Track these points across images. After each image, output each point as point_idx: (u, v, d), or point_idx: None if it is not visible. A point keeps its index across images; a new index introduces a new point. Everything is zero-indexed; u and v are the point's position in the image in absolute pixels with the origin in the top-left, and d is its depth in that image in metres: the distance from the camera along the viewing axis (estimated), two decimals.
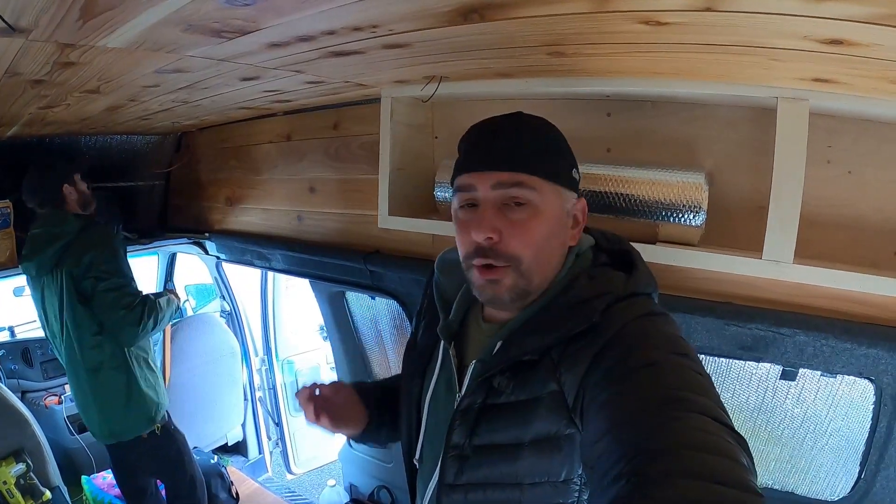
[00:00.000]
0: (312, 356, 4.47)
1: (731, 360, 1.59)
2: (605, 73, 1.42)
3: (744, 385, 1.63)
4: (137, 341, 2.49)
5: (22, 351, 3.47)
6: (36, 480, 2.61)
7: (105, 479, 3.01)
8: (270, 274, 4.05)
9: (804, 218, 1.26)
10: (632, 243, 1.13)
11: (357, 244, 2.23)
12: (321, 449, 4.27)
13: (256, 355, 4.19)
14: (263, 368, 4.19)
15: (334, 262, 2.28)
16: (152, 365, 2.64)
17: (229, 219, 2.89)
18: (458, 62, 1.42)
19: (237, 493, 3.31)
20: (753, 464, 0.69)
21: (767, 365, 1.53)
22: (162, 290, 3.05)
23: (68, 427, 3.28)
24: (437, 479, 1.05)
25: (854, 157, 1.32)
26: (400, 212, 1.89)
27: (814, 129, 1.25)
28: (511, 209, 0.99)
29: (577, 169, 1.06)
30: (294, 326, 4.50)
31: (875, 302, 1.29)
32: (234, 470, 3.62)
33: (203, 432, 3.69)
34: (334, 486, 3.10)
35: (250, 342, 4.13)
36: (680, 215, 1.41)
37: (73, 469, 3.13)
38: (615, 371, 0.84)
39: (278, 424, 4.20)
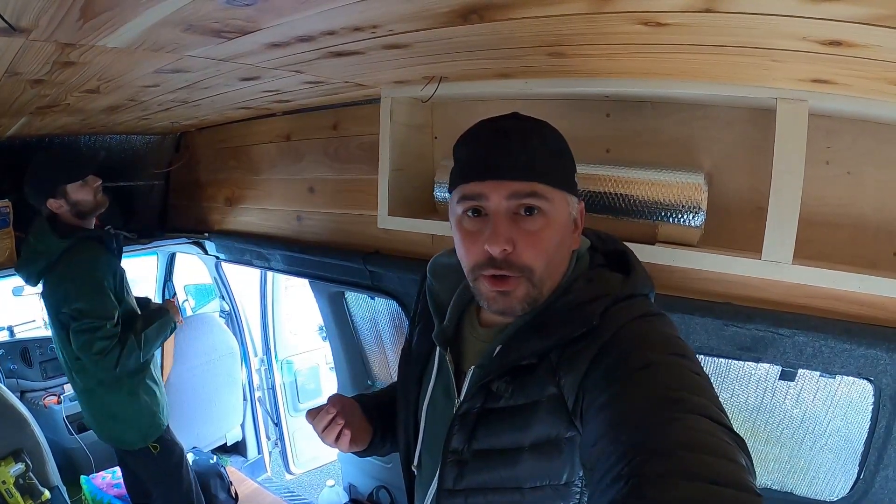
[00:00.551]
0: (312, 356, 4.46)
1: (730, 361, 1.59)
2: (604, 74, 1.42)
3: (743, 385, 1.63)
4: (119, 376, 2.32)
5: (21, 351, 3.47)
6: (35, 480, 2.60)
7: (104, 478, 3.01)
8: (270, 274, 4.05)
9: (803, 218, 1.26)
10: (629, 243, 1.14)
11: (356, 244, 2.23)
12: (320, 449, 4.27)
13: (256, 355, 4.18)
14: (263, 368, 4.18)
15: (334, 263, 2.28)
16: (153, 377, 2.54)
17: (229, 219, 2.89)
18: (458, 62, 1.42)
19: (236, 494, 3.31)
20: (752, 464, 0.69)
21: (766, 365, 1.53)
22: (160, 300, 2.83)
23: (67, 427, 3.28)
24: (436, 484, 1.05)
25: (853, 157, 1.32)
26: (399, 212, 1.89)
27: (813, 129, 1.25)
28: (522, 218, 0.97)
29: (576, 172, 1.06)
30: (293, 326, 4.50)
31: (874, 302, 1.29)
32: (233, 470, 3.62)
33: (202, 432, 3.68)
34: (333, 486, 3.10)
35: (249, 342, 4.12)
36: (679, 216, 1.41)
37: (72, 469, 3.12)
38: (613, 373, 0.84)
39: (277, 424, 4.19)
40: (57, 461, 2.81)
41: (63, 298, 2.21)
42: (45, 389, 3.46)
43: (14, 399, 2.70)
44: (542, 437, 0.94)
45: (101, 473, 3.09)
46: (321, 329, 4.41)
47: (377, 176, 1.91)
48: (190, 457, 2.39)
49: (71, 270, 2.22)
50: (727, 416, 0.74)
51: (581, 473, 0.93)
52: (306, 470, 4.23)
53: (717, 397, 0.79)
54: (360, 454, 1.35)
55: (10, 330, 4.02)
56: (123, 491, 2.81)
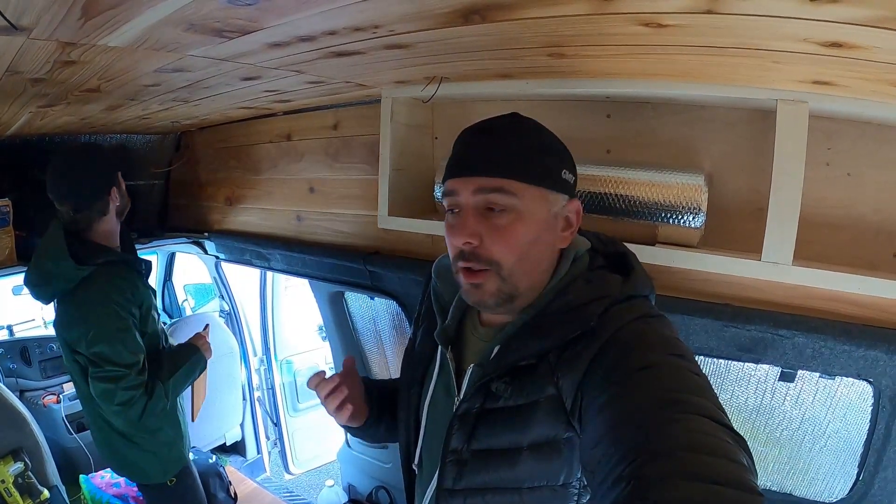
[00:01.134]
0: (311, 356, 4.46)
1: (729, 362, 1.59)
2: (605, 75, 1.42)
3: (742, 386, 1.63)
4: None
5: (20, 350, 3.46)
6: (34, 479, 2.60)
7: (103, 478, 3.00)
8: (269, 274, 4.05)
9: (803, 219, 1.26)
10: (629, 244, 1.14)
11: (356, 244, 2.23)
12: (319, 449, 4.27)
13: (255, 355, 4.18)
14: (262, 368, 4.18)
15: (333, 263, 2.28)
16: (179, 408, 2.27)
17: (229, 219, 2.89)
18: (459, 63, 1.43)
19: (235, 493, 3.30)
20: (754, 463, 0.70)
21: (766, 366, 1.53)
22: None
23: (66, 426, 3.27)
24: (435, 484, 1.06)
25: (853, 158, 1.32)
26: (399, 212, 1.89)
27: (813, 131, 1.25)
28: (493, 214, 0.99)
29: (571, 170, 1.05)
30: (293, 326, 4.50)
31: (874, 304, 1.29)
32: (232, 470, 3.62)
33: (201, 432, 3.68)
34: (332, 486, 3.10)
35: (249, 342, 4.12)
36: (679, 217, 1.42)
37: (71, 468, 3.11)
38: (613, 374, 0.85)
39: (277, 424, 4.19)
40: (56, 460, 2.81)
41: (81, 338, 1.88)
42: (44, 389, 3.45)
43: (13, 398, 2.70)
44: (541, 438, 0.94)
45: (101, 473, 3.08)
46: (321, 329, 4.40)
47: (377, 176, 1.91)
48: (189, 456, 2.34)
49: (91, 307, 1.91)
50: (727, 417, 0.75)
51: (579, 475, 0.93)
52: (305, 470, 4.24)
53: (717, 398, 0.79)
54: (353, 432, 1.38)
55: (10, 329, 4.02)
56: (122, 490, 2.81)
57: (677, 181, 1.41)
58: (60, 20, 0.98)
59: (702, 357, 1.54)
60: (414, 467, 1.21)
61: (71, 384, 3.02)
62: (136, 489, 2.67)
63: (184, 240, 3.07)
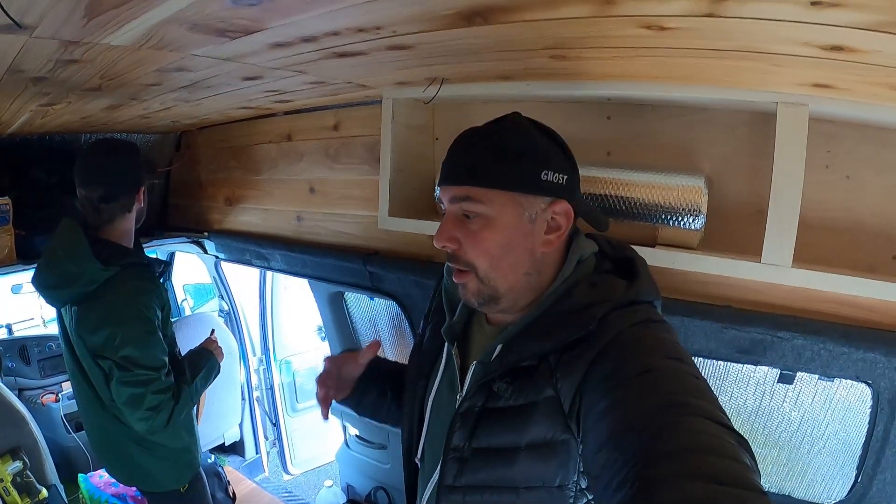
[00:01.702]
0: (310, 356, 4.46)
1: (728, 364, 1.60)
2: (606, 77, 1.42)
3: (741, 388, 1.64)
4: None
5: (19, 348, 3.46)
6: (32, 479, 2.60)
7: (102, 477, 3.00)
8: (269, 274, 4.05)
9: (803, 222, 1.27)
10: (634, 249, 1.14)
11: (356, 245, 2.23)
12: (318, 450, 4.27)
13: (254, 355, 4.18)
14: (261, 368, 4.18)
15: (333, 263, 2.28)
16: (191, 417, 2.24)
17: (228, 218, 2.89)
18: (460, 64, 1.43)
19: (234, 493, 3.30)
20: (756, 463, 0.70)
21: (765, 368, 1.54)
22: (202, 342, 2.35)
23: (65, 425, 3.27)
24: (437, 479, 1.07)
25: (853, 161, 1.33)
26: (400, 213, 1.90)
27: (813, 133, 1.25)
28: (468, 220, 1.02)
29: (560, 171, 1.02)
30: (292, 327, 4.50)
31: (873, 306, 1.30)
32: (231, 470, 3.62)
33: (200, 431, 3.65)
34: (331, 486, 3.11)
35: (248, 342, 4.12)
36: (679, 219, 1.42)
37: (69, 467, 3.12)
38: (613, 378, 0.85)
39: (276, 424, 4.19)
40: (54, 459, 2.81)
41: (107, 343, 1.81)
42: (43, 388, 3.45)
43: (12, 397, 2.70)
44: (538, 439, 0.95)
45: (99, 472, 3.08)
46: (320, 329, 4.40)
47: (378, 177, 1.91)
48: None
49: (118, 309, 1.85)
50: (728, 418, 0.75)
51: (575, 478, 0.94)
52: (304, 470, 4.24)
53: (717, 400, 0.79)
54: (340, 402, 1.42)
55: (9, 328, 4.03)
56: (121, 489, 2.81)
57: (677, 183, 1.41)
58: (64, 19, 0.98)
59: (701, 359, 1.55)
60: (416, 461, 1.22)
61: (67, 383, 2.99)
62: (134, 489, 2.66)
63: (184, 239, 3.07)
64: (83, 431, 3.13)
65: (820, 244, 1.36)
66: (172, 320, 2.09)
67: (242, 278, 4.15)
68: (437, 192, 1.13)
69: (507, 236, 1.01)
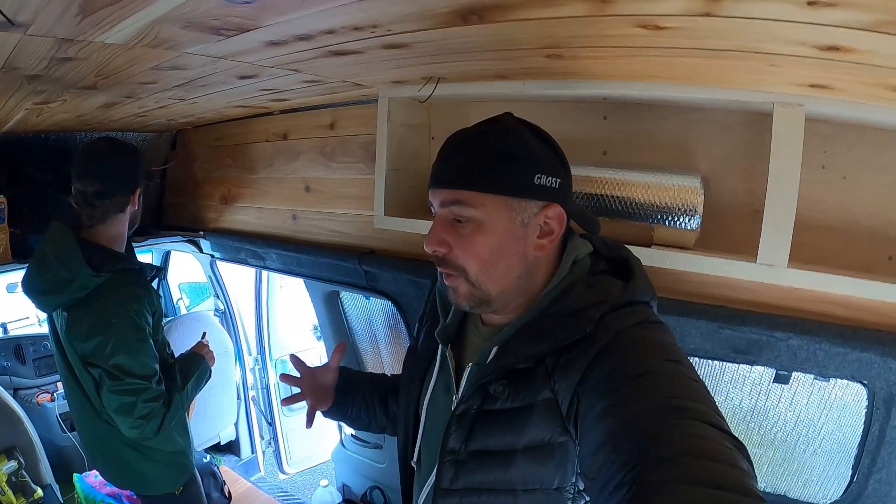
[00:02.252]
0: (306, 356, 4.45)
1: (724, 364, 1.60)
2: (602, 77, 1.42)
3: (737, 388, 1.64)
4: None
5: (14, 348, 3.45)
6: (28, 478, 2.60)
7: (97, 477, 2.99)
8: (265, 273, 4.05)
9: (799, 222, 1.27)
10: (629, 249, 1.13)
11: (352, 244, 2.23)
12: (314, 449, 4.27)
13: (250, 354, 4.18)
14: (257, 368, 4.17)
15: (329, 262, 2.28)
16: (185, 420, 2.23)
17: (224, 217, 2.89)
18: (456, 63, 1.43)
19: (229, 493, 3.30)
20: (753, 468, 0.70)
21: (761, 368, 1.54)
22: (193, 346, 2.32)
23: (60, 425, 3.26)
24: (433, 482, 1.06)
25: (849, 162, 1.33)
26: (395, 212, 1.89)
27: (809, 134, 1.25)
28: (459, 224, 1.01)
29: (554, 174, 1.01)
30: (288, 326, 4.49)
31: (868, 306, 1.30)
32: (226, 469, 3.61)
33: (196, 431, 3.65)
34: (327, 486, 3.10)
35: (244, 341, 4.12)
36: (675, 218, 1.42)
37: (65, 467, 3.11)
38: (610, 380, 0.85)
39: (271, 424, 4.19)
40: (50, 459, 2.81)
41: (98, 350, 1.80)
42: (38, 387, 3.44)
43: (7, 396, 2.70)
44: (536, 441, 0.95)
45: (94, 472, 3.08)
46: (316, 329, 4.40)
47: (373, 176, 1.91)
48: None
49: (109, 316, 1.82)
50: (726, 422, 0.75)
51: (573, 480, 0.94)
52: (300, 470, 4.24)
53: (715, 403, 0.79)
54: (324, 415, 1.48)
55: (4, 327, 4.02)
56: (116, 490, 2.80)
57: (673, 183, 1.41)
58: (58, 16, 0.98)
59: (697, 358, 1.55)
60: (413, 464, 1.21)
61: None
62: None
63: (179, 238, 3.06)
64: None
65: (816, 244, 1.36)
66: (168, 319, 2.07)
67: (238, 277, 4.14)
68: None
69: (498, 241, 1.00)
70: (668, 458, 0.67)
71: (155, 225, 3.19)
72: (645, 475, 0.66)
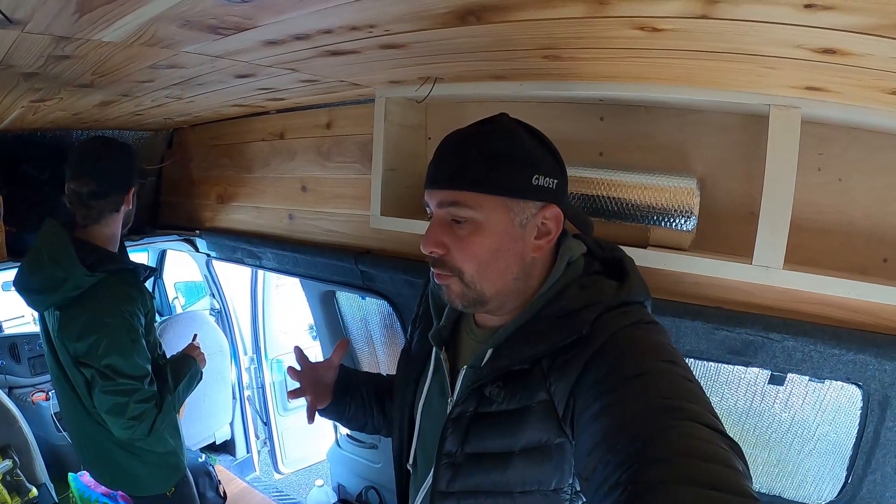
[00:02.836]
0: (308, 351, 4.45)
1: (719, 365, 1.60)
2: (599, 78, 1.42)
3: (732, 389, 1.64)
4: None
5: (9, 346, 3.44)
6: (23, 477, 2.59)
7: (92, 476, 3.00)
8: (261, 272, 4.04)
9: (794, 224, 1.27)
10: (623, 249, 1.14)
11: (348, 244, 2.23)
12: (309, 449, 4.26)
13: (245, 354, 4.18)
14: (252, 367, 4.17)
15: (325, 262, 2.27)
16: (176, 420, 2.20)
17: (220, 216, 2.88)
18: (453, 64, 1.43)
19: (225, 493, 3.29)
20: (748, 468, 0.70)
21: (756, 369, 1.54)
22: (184, 348, 2.30)
23: (55, 423, 3.25)
24: (430, 485, 1.06)
25: (844, 164, 1.33)
26: (392, 212, 1.89)
27: (805, 136, 1.26)
28: (456, 225, 1.00)
29: (551, 174, 1.01)
30: (283, 325, 4.49)
31: (863, 308, 1.30)
32: (221, 469, 3.60)
33: (191, 430, 3.67)
34: (322, 486, 3.10)
35: (239, 340, 4.11)
36: (671, 220, 1.42)
37: (60, 466, 3.09)
38: (606, 381, 0.85)
39: (266, 423, 4.19)
40: (45, 458, 2.80)
41: (90, 351, 1.79)
42: (33, 386, 3.43)
43: (2, 395, 2.69)
44: (533, 443, 0.95)
45: None
46: (311, 328, 4.40)
47: (370, 176, 1.91)
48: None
49: (102, 316, 1.81)
50: (721, 422, 0.75)
51: (570, 481, 0.94)
52: (295, 469, 4.23)
53: (710, 403, 0.79)
54: (320, 413, 1.46)
55: None
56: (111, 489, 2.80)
57: (670, 184, 1.41)
58: (55, 14, 0.98)
59: (692, 359, 1.55)
60: (408, 467, 1.21)
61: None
62: None
63: (175, 237, 3.05)
64: None
65: (811, 246, 1.36)
66: (163, 319, 2.06)
67: (234, 277, 4.14)
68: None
69: (496, 242, 1.00)
70: (664, 458, 0.67)
71: (151, 224, 3.19)
72: (640, 475, 0.66)
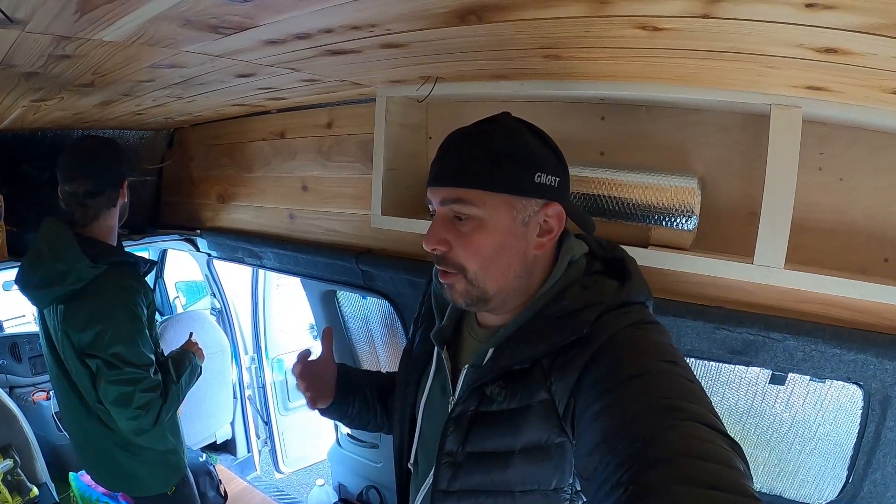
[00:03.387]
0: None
1: (720, 364, 1.60)
2: (600, 77, 1.42)
3: (733, 389, 1.64)
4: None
5: (10, 346, 3.45)
6: (23, 477, 2.60)
7: None
8: (261, 272, 4.04)
9: (795, 224, 1.27)
10: (624, 249, 1.14)
11: (349, 243, 2.23)
12: (310, 448, 4.26)
13: (246, 353, 4.18)
14: (253, 367, 4.18)
15: (326, 261, 2.27)
16: (176, 418, 2.19)
17: (221, 216, 2.88)
18: (454, 63, 1.43)
19: (225, 492, 3.29)
20: (749, 468, 0.70)
21: (757, 369, 1.54)
22: (182, 344, 2.32)
23: (56, 423, 3.26)
24: (430, 484, 1.06)
25: (845, 164, 1.33)
26: (393, 212, 1.89)
27: (806, 136, 1.25)
28: (459, 222, 1.01)
29: (553, 173, 1.02)
30: (284, 325, 4.49)
31: (864, 308, 1.30)
32: (222, 468, 3.60)
33: (192, 430, 3.67)
34: (323, 485, 3.10)
35: (240, 340, 4.12)
36: (672, 219, 1.42)
37: (60, 465, 3.10)
38: (606, 381, 0.85)
39: (267, 423, 4.19)
40: (45, 458, 2.81)
41: (96, 340, 1.80)
42: (33, 385, 3.44)
43: (2, 395, 2.69)
44: (533, 442, 0.95)
45: None
46: (312, 328, 4.40)
47: (371, 175, 1.91)
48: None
49: (107, 307, 1.83)
50: (721, 422, 0.75)
51: (570, 480, 0.94)
52: (296, 469, 4.24)
53: (711, 403, 0.79)
54: (322, 413, 1.45)
55: (0, 325, 4.00)
56: None
57: (671, 184, 1.41)
58: (56, 14, 0.97)
59: (693, 359, 1.55)
60: (409, 466, 1.21)
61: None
62: None
63: (176, 237, 3.05)
64: None
65: (812, 246, 1.36)
66: (164, 318, 2.07)
67: (235, 276, 4.14)
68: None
69: (499, 239, 1.00)
70: (664, 458, 0.67)
71: (152, 223, 3.18)
72: (641, 475, 0.66)
